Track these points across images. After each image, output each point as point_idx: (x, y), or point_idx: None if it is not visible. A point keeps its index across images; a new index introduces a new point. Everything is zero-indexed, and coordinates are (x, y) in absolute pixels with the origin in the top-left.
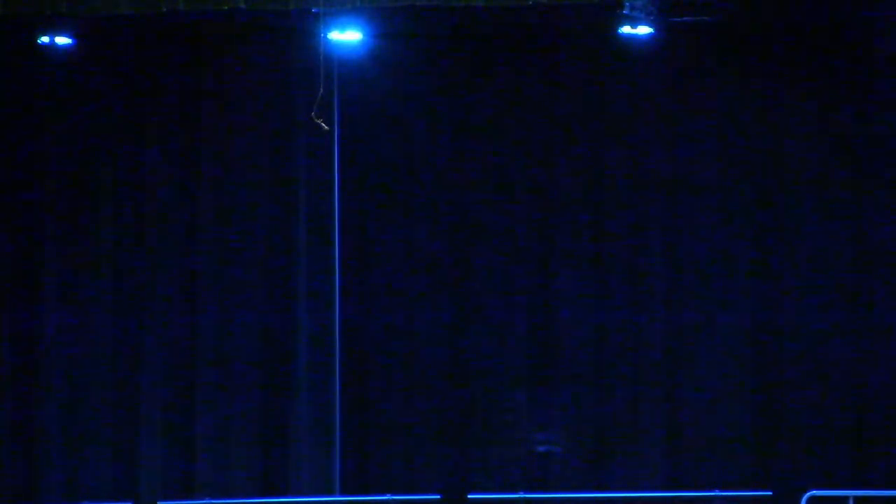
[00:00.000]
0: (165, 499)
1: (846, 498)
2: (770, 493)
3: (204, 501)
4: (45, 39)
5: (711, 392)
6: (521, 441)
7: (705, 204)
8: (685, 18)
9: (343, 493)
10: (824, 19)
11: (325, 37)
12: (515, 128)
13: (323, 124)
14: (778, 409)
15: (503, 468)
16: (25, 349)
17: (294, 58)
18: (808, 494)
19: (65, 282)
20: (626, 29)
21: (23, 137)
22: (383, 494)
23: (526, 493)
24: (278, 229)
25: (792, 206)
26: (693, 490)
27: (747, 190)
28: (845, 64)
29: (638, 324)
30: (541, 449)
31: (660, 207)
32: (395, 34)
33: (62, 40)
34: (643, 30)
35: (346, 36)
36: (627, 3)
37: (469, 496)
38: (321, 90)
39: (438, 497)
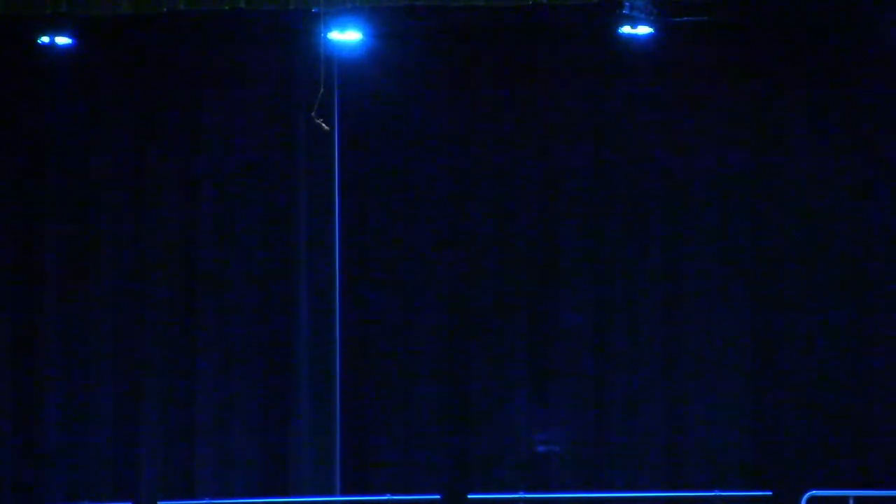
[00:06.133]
0: (165, 499)
1: (846, 498)
2: (770, 493)
3: (204, 501)
4: (45, 39)
5: (711, 392)
6: (521, 441)
7: (705, 204)
8: (685, 18)
9: (343, 493)
10: (823, 19)
11: (325, 37)
12: (515, 127)
13: (323, 124)
14: (778, 409)
15: (503, 468)
16: (25, 349)
17: (294, 58)
18: (808, 494)
19: (65, 281)
20: (626, 29)
21: (23, 137)
22: (383, 494)
23: (526, 493)
24: (278, 229)
25: (793, 206)
26: (693, 490)
27: (747, 190)
28: (845, 63)
29: (638, 323)
30: (541, 449)
31: (660, 207)
32: (395, 34)
33: (62, 40)
34: (643, 30)
35: (346, 36)
36: (627, 3)
37: (469, 496)
38: (321, 90)
39: (438, 497)
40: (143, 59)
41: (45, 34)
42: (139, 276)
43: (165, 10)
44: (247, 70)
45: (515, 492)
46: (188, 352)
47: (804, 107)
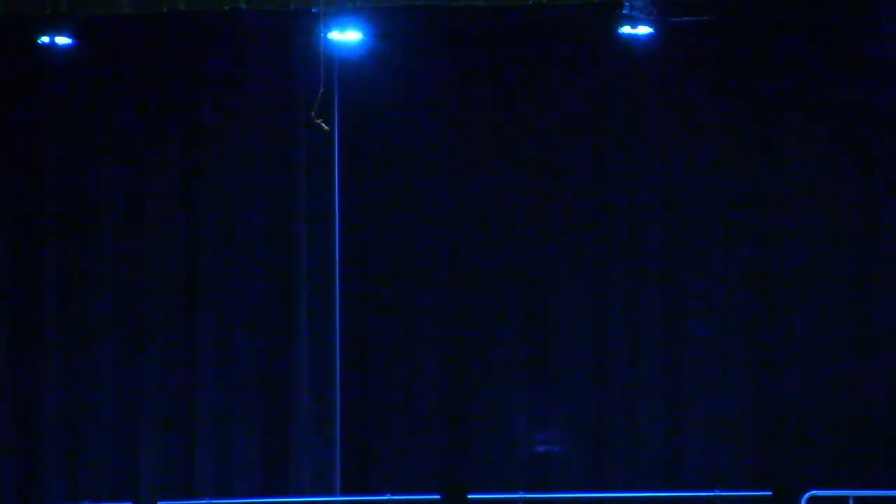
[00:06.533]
0: (165, 499)
1: (846, 498)
2: (770, 493)
3: (204, 501)
4: (45, 39)
5: (711, 392)
6: (521, 441)
7: (705, 204)
8: (685, 18)
9: (343, 493)
10: (824, 19)
11: (325, 37)
12: (515, 127)
13: (323, 124)
14: (778, 409)
15: (503, 468)
16: (25, 349)
17: (294, 58)
18: (808, 494)
19: (65, 282)
20: (626, 29)
21: (23, 137)
22: (383, 494)
23: (526, 493)
24: (278, 229)
25: (792, 206)
26: (693, 490)
27: (747, 190)
28: (845, 64)
29: (637, 323)
30: (541, 449)
31: (659, 207)
32: (395, 34)
33: (62, 40)
34: (643, 30)
35: (346, 36)
36: (627, 3)
37: (469, 496)
38: (321, 90)
39: (438, 497)
40: (143, 59)
41: (45, 34)
42: (139, 277)
43: (165, 10)
44: (247, 70)
45: (515, 492)
46: (188, 352)
47: (804, 106)
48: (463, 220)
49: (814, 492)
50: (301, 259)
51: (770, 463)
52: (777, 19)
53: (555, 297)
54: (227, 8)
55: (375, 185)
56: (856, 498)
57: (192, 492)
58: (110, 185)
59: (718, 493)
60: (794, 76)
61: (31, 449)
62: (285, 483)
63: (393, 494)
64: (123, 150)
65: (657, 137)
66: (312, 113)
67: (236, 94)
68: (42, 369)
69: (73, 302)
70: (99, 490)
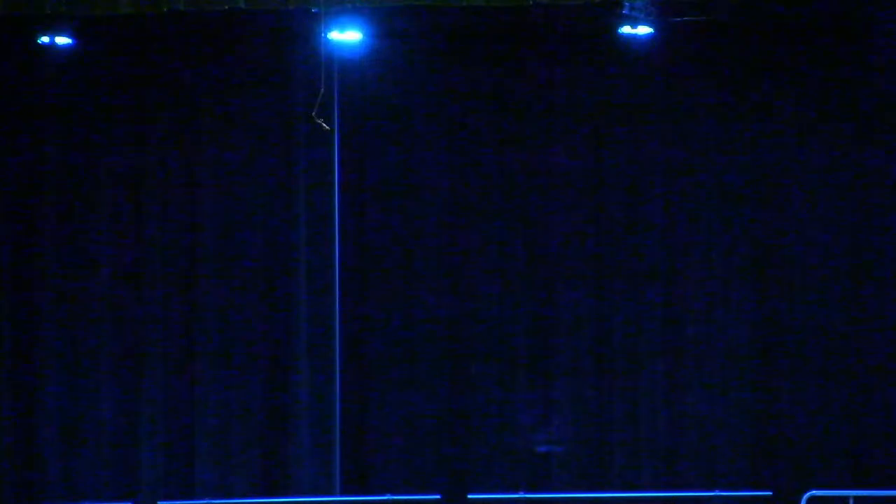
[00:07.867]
0: (165, 499)
1: (846, 498)
2: (770, 493)
3: (204, 501)
4: (45, 39)
5: (711, 392)
6: (521, 441)
7: (705, 204)
8: (685, 18)
9: (343, 493)
10: (824, 18)
11: (325, 37)
12: (515, 127)
13: (323, 124)
14: (778, 410)
15: (503, 468)
16: (25, 349)
17: (294, 58)
18: (808, 494)
19: (65, 282)
20: (626, 29)
21: (23, 137)
22: (383, 494)
23: (526, 493)
24: (278, 229)
25: (791, 205)
26: (693, 490)
27: (747, 190)
28: (845, 64)
29: (638, 323)
30: (541, 449)
31: (659, 206)
32: (395, 34)
33: (62, 40)
34: (643, 30)
35: (346, 36)
36: (627, 3)
37: (469, 496)
38: (322, 90)
39: (438, 497)
40: (142, 59)
41: (45, 34)
42: (139, 276)
43: (165, 10)
44: (246, 70)
45: (515, 492)
46: (188, 352)
47: (804, 106)
48: (463, 220)
49: (814, 492)
50: (301, 259)
51: (770, 463)
52: (777, 19)
53: (555, 297)
54: (226, 8)
55: (375, 185)
56: (856, 498)
57: (192, 492)
58: (110, 185)
59: (718, 493)
60: (793, 76)
61: (31, 449)
62: (285, 483)
63: (393, 494)
64: (123, 149)
65: (657, 137)
66: (313, 113)
67: (236, 94)
68: (42, 370)
69: (72, 302)
70: (99, 490)
